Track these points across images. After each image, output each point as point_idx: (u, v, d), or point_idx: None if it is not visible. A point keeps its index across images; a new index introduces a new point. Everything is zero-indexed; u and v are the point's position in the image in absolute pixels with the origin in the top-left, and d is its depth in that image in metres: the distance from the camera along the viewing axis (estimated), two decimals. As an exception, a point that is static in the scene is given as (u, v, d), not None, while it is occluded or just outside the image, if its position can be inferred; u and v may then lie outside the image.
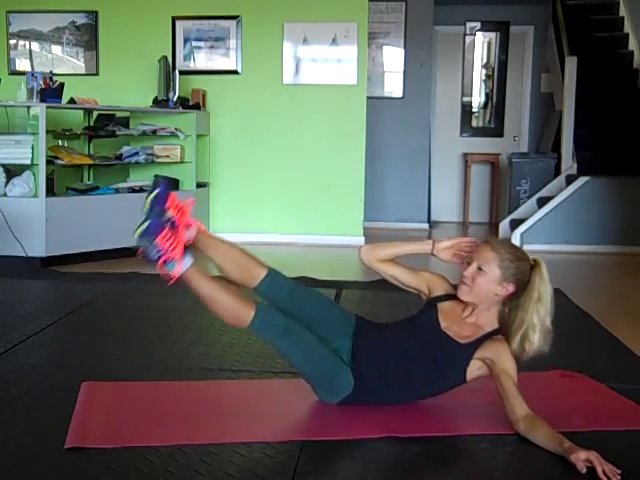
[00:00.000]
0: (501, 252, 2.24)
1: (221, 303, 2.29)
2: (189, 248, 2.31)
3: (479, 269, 2.25)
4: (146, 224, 2.24)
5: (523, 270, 2.24)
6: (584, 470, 1.88)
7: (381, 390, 2.32)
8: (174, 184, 5.64)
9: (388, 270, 2.45)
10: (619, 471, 1.87)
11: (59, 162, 5.32)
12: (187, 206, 2.36)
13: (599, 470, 1.86)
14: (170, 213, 2.28)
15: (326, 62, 6.55)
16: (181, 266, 2.25)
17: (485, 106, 9.04)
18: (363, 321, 2.46)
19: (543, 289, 2.22)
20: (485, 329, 2.28)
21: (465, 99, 8.99)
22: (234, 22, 6.55)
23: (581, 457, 1.90)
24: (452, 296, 2.36)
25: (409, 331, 2.35)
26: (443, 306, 2.35)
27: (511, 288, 2.24)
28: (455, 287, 2.34)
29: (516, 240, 6.59)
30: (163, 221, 2.26)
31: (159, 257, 2.23)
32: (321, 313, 2.42)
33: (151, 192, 2.30)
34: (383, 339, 2.36)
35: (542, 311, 2.21)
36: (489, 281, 2.24)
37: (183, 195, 2.60)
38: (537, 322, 2.20)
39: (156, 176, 2.05)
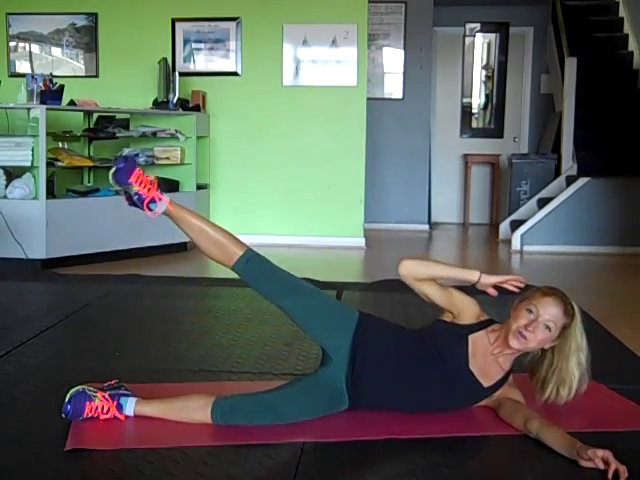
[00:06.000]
0: (569, 312, 2.20)
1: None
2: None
3: (546, 327, 2.17)
4: (114, 168, 2.25)
5: (567, 324, 2.22)
6: (602, 466, 1.87)
7: (379, 401, 2.27)
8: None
9: (424, 289, 2.28)
10: (627, 474, 1.86)
11: (59, 164, 5.33)
12: (153, 182, 2.30)
13: (612, 468, 1.85)
14: (135, 188, 2.25)
15: (326, 63, 6.55)
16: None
17: (485, 107, 9.04)
18: (369, 320, 2.32)
19: (580, 339, 2.23)
20: (504, 369, 2.26)
21: (465, 100, 9.00)
22: (234, 24, 6.56)
23: (598, 454, 1.88)
24: (483, 324, 2.27)
25: (433, 361, 2.23)
26: (474, 338, 2.24)
27: (554, 343, 2.23)
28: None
29: (516, 241, 6.60)
30: (132, 164, 2.26)
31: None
32: (311, 302, 2.30)
33: (113, 167, 2.27)
34: (396, 355, 2.25)
35: (582, 356, 2.23)
36: (549, 339, 2.20)
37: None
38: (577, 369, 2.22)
39: (120, 155, 2.08)
